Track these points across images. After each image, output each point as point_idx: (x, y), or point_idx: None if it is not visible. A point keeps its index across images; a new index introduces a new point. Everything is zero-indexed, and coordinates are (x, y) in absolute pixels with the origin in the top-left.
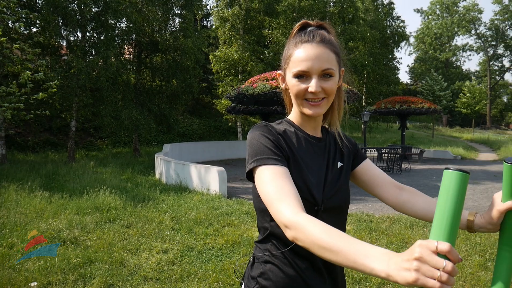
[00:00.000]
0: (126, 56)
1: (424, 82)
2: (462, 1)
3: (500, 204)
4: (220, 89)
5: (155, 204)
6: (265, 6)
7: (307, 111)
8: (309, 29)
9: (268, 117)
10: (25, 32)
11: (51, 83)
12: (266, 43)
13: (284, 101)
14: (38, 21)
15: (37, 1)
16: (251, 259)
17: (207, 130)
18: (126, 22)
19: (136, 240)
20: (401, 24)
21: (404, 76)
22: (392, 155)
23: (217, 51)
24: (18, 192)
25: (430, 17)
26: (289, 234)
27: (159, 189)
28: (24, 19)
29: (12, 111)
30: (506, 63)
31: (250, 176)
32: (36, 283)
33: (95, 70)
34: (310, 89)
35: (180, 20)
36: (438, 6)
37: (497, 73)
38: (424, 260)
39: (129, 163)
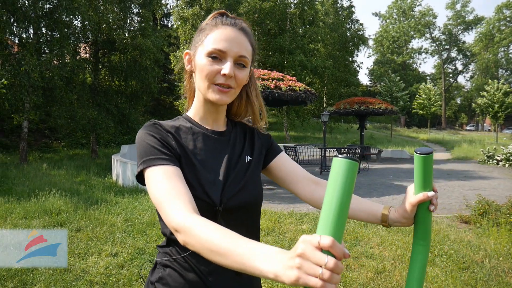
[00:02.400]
0: (83, 55)
1: (383, 83)
2: (418, 6)
3: (412, 196)
4: (182, 90)
5: (108, 207)
6: (225, 7)
7: (213, 96)
8: (229, 17)
9: None
10: None
11: None
12: None
13: (184, 91)
14: None
15: None
16: (154, 264)
17: None
18: (81, 20)
19: (85, 244)
20: (360, 27)
21: (364, 78)
22: (351, 155)
23: (178, 51)
24: None
25: (387, 20)
26: (179, 238)
27: (114, 191)
28: None
29: None
30: (459, 66)
31: (141, 179)
32: None
33: (48, 69)
34: (223, 71)
35: (138, 19)
36: (395, 10)
37: (451, 75)
38: (306, 256)
39: (85, 165)
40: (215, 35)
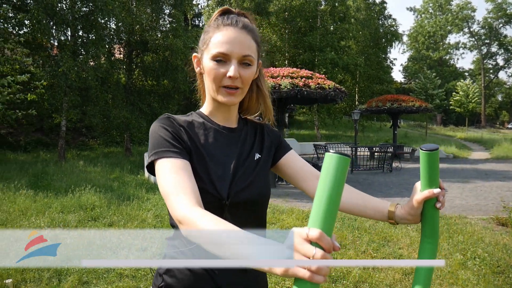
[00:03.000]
0: (117, 56)
1: (417, 80)
2: None
3: (418, 193)
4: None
5: (139, 203)
6: (255, 5)
7: (221, 98)
8: (231, 15)
9: None
10: (14, 32)
11: (37, 82)
12: None
13: (198, 89)
14: (27, 22)
15: (27, 1)
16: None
17: None
18: (115, 22)
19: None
20: (393, 23)
21: (398, 75)
22: (382, 154)
23: None
24: (4, 191)
25: (423, 15)
26: (182, 229)
27: (146, 188)
28: (13, 21)
29: None
30: (500, 61)
31: (152, 170)
32: (11, 280)
33: (85, 69)
34: (229, 74)
35: (170, 19)
36: (431, 5)
37: (491, 71)
38: (296, 248)
39: (119, 162)
40: (218, 38)
